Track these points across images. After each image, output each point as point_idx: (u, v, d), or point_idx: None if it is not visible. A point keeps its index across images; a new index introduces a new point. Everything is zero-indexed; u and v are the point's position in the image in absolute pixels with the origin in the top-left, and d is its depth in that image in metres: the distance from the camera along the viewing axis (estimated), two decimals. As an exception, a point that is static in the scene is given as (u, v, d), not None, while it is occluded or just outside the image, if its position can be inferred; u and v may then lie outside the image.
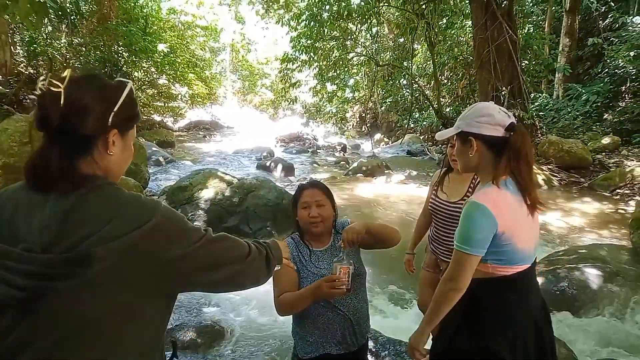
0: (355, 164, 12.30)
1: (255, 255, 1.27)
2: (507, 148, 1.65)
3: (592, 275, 4.36)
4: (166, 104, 20.54)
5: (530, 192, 1.66)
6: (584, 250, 5.24)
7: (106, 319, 0.97)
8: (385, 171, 11.84)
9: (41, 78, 1.02)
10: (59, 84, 0.99)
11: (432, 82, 17.66)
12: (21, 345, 0.95)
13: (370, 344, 3.06)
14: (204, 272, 1.10)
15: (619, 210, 8.21)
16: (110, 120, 1.05)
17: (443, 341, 1.79)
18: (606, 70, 14.06)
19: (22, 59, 14.98)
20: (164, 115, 20.67)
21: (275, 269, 1.42)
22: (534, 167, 1.78)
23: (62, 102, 0.97)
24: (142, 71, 18.30)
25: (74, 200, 0.97)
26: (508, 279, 1.67)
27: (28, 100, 11.76)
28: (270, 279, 1.71)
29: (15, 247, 0.95)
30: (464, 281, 1.64)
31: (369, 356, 2.90)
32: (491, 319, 1.71)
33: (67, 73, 1.02)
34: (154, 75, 19.01)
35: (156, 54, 17.66)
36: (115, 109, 1.05)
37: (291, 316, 2.08)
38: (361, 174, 11.53)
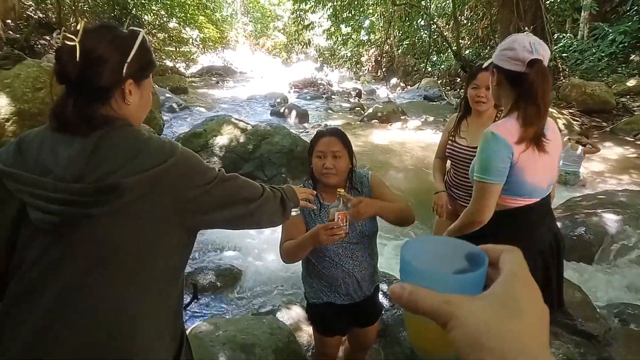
0: (370, 110, 12.09)
1: (269, 196, 1.32)
2: (523, 84, 1.65)
3: (611, 220, 4.31)
4: (177, 49, 20.19)
5: (530, 129, 1.63)
6: (602, 196, 5.16)
7: (134, 246, 1.03)
8: (401, 117, 11.63)
9: (56, 32, 1.06)
10: (74, 38, 1.02)
11: (452, 22, 16.94)
12: (55, 268, 1.01)
13: (384, 287, 3.11)
14: (220, 209, 1.16)
15: (641, 156, 8.02)
16: (125, 70, 1.08)
17: None
18: (635, 7, 13.27)
19: (31, 3, 14.69)
20: (176, 60, 20.35)
21: (293, 213, 1.43)
22: (553, 110, 1.75)
23: (77, 55, 1.01)
24: (151, 14, 17.87)
25: (98, 138, 1.02)
26: (514, 210, 1.71)
27: (39, 45, 11.64)
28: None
29: (47, 178, 0.99)
30: (487, 212, 1.66)
31: (383, 299, 2.97)
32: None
33: (80, 25, 1.05)
34: (164, 19, 18.57)
35: (165, -4, 17.15)
36: (129, 59, 1.08)
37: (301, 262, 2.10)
38: (376, 120, 11.35)
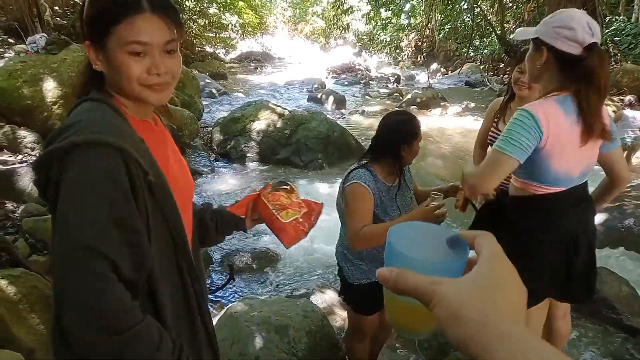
0: (409, 96, 11.89)
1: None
2: (579, 69, 1.51)
3: (663, 212, 4.09)
4: (217, 35, 20.43)
5: (590, 119, 1.52)
6: (654, 187, 4.90)
7: None
8: (441, 103, 11.38)
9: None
10: None
11: (496, 5, 16.34)
12: None
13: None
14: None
15: (699, 145, 7.53)
16: (85, 32, 0.95)
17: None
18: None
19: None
20: (216, 46, 20.61)
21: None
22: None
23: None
24: (192, 0, 18.10)
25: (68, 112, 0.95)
26: (537, 198, 1.61)
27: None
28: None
29: None
30: (492, 182, 1.55)
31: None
32: (506, 235, 1.65)
33: None
34: (205, 4, 18.79)
35: (206, -18, 17.33)
36: (84, 15, 0.94)
37: (338, 244, 2.10)
38: (415, 106, 11.15)
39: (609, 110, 1.66)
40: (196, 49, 17.10)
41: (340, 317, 3.07)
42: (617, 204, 4.39)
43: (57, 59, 5.70)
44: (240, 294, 3.57)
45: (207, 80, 12.38)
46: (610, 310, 2.81)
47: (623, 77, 9.90)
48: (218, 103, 11.12)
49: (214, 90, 11.80)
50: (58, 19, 11.67)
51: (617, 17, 13.81)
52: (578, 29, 1.50)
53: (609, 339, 2.71)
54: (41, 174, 0.86)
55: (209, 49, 19.46)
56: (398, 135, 1.92)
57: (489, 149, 2.62)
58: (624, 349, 2.62)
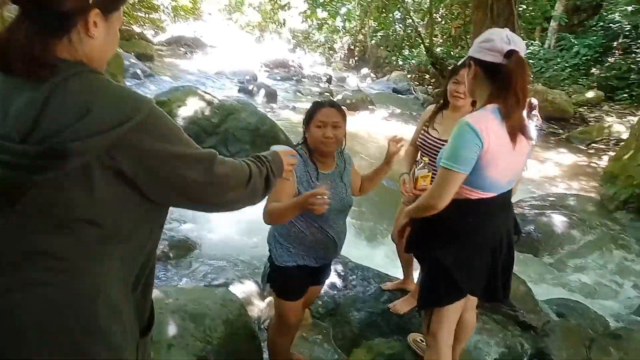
0: (339, 96, 12.08)
1: (256, 179, 1.17)
2: (500, 74, 1.64)
3: (558, 221, 4.52)
4: (147, 15, 19.46)
5: (512, 120, 1.64)
6: (553, 198, 5.40)
7: (92, 214, 0.91)
8: (369, 106, 11.71)
9: None
10: None
11: (427, 18, 17.10)
12: (3, 237, 0.90)
13: (339, 267, 3.15)
14: (198, 192, 1.02)
15: (592, 164, 8.42)
16: (97, 2, 0.93)
17: (409, 240, 1.97)
18: (601, 23, 13.83)
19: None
20: (144, 26, 19.62)
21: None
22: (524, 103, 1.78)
23: None
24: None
25: (52, 86, 0.86)
26: (470, 202, 1.73)
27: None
28: None
29: None
30: (446, 199, 1.67)
31: (337, 279, 3.02)
32: (444, 235, 1.80)
33: None
34: (135, -18, 17.84)
35: (138, -42, 16.46)
36: None
37: (268, 227, 2.10)
38: (344, 107, 11.24)
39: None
40: (122, 26, 16.16)
41: (259, 308, 3.06)
42: (520, 211, 4.78)
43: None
44: (155, 282, 3.44)
45: (132, 60, 11.72)
46: (508, 307, 3.05)
47: (533, 97, 10.78)
48: (143, 85, 10.58)
49: (138, 71, 11.21)
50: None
51: (532, 42, 15.04)
52: (496, 39, 1.65)
53: (506, 332, 2.94)
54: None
55: (136, 28, 18.47)
56: (304, 122, 2.04)
57: (418, 155, 2.77)
58: (517, 341, 2.86)
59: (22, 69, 0.88)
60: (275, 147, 1.50)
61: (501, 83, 1.64)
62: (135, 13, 18.66)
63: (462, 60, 1.88)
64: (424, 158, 2.02)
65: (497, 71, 1.64)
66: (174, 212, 4.54)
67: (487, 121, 1.62)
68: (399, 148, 2.12)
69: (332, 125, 1.95)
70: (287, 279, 2.08)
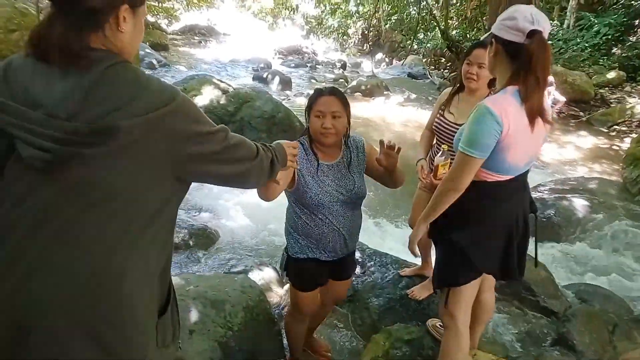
0: (354, 83, 11.99)
1: (263, 157, 1.29)
2: (521, 55, 1.60)
3: (579, 205, 4.45)
4: (160, 4, 19.47)
5: (531, 102, 1.61)
6: (574, 182, 5.31)
7: (129, 191, 0.99)
8: (384, 92, 11.59)
9: None
10: None
11: (441, 1, 16.78)
12: (47, 208, 0.96)
13: (358, 254, 3.14)
14: (214, 163, 1.14)
15: (614, 147, 8.24)
16: None
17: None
18: (622, 1, 13.40)
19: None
20: (158, 16, 19.66)
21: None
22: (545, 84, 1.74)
23: None
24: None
25: (96, 75, 0.96)
26: (487, 185, 1.72)
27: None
28: None
29: (37, 112, 0.94)
30: (464, 183, 1.67)
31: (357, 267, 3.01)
32: (460, 218, 1.79)
33: None
34: (148, -29, 17.84)
35: (150, -53, 16.42)
36: None
37: (285, 217, 2.10)
38: (359, 93, 11.27)
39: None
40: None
41: (278, 294, 3.09)
42: (540, 195, 4.72)
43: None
44: (176, 270, 3.49)
45: (147, 50, 11.81)
46: (529, 293, 3.03)
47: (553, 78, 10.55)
48: (158, 75, 10.59)
49: (154, 61, 11.30)
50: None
51: (551, 22, 14.63)
52: (519, 17, 1.59)
53: (526, 318, 2.92)
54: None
55: (150, 18, 18.52)
56: (305, 110, 1.99)
57: (434, 140, 2.74)
58: (538, 326, 2.84)
59: (60, 60, 0.96)
60: (278, 141, 1.56)
61: (521, 64, 1.60)
62: (149, 2, 18.68)
63: (484, 36, 1.84)
64: (443, 146, 1.97)
65: (518, 51, 1.61)
66: (193, 201, 4.60)
67: (507, 105, 1.60)
68: (393, 157, 1.88)
69: (332, 115, 1.86)
70: (299, 271, 2.07)
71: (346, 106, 1.93)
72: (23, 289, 0.96)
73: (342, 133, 1.94)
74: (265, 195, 1.75)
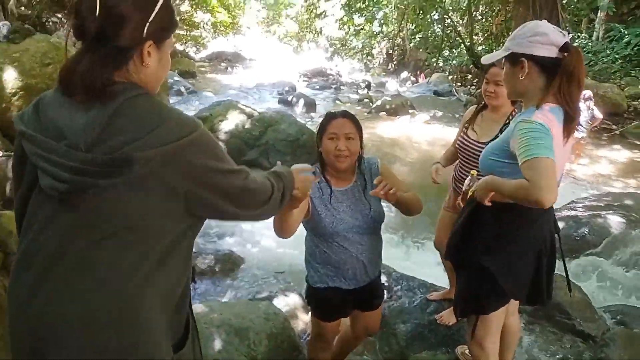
0: (379, 102, 11.99)
1: (276, 196, 1.29)
2: (559, 71, 1.55)
3: (615, 222, 4.27)
4: (188, 33, 20.13)
5: (572, 111, 1.56)
6: (608, 198, 5.11)
7: (144, 222, 1.00)
8: (410, 111, 11.54)
9: None
10: None
11: (466, 17, 16.76)
12: (64, 238, 0.99)
13: (384, 278, 3.09)
14: (231, 204, 1.12)
15: (650, 160, 7.93)
16: (146, 30, 1.02)
17: (449, 246, 1.87)
18: (654, 10, 13.08)
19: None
20: (186, 44, 20.31)
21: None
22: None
23: (97, 11, 0.97)
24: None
25: (116, 107, 0.98)
26: (515, 205, 1.60)
27: (50, 23, 11.61)
28: None
29: (60, 144, 0.97)
30: (555, 190, 1.43)
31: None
32: (489, 240, 1.72)
33: None
34: (177, 1, 18.50)
35: (178, -21, 17.07)
36: (151, 18, 1.03)
37: (305, 246, 2.08)
38: (384, 113, 11.25)
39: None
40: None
41: (303, 321, 3.05)
42: (574, 213, 4.56)
43: (19, 48, 5.45)
44: (201, 297, 3.51)
45: (175, 78, 12.17)
46: (563, 315, 2.90)
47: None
48: (186, 102, 10.93)
49: (182, 89, 11.62)
50: (22, 8, 11.24)
51: (579, 35, 14.40)
52: (550, 32, 1.56)
53: (562, 343, 2.80)
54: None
55: (179, 46, 19.16)
56: (317, 134, 1.96)
57: (458, 162, 2.69)
58: (576, 352, 2.71)
59: (84, 95, 0.99)
60: (295, 166, 1.53)
61: (562, 78, 1.55)
62: (177, 31, 19.34)
63: (498, 56, 1.71)
64: (472, 172, 1.89)
65: (555, 66, 1.56)
66: (218, 226, 4.64)
67: (547, 118, 1.53)
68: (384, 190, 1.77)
69: (345, 137, 1.85)
70: (319, 300, 2.04)
71: (359, 128, 1.92)
72: (43, 317, 0.99)
73: (356, 155, 1.92)
74: (281, 233, 1.75)
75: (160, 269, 1.04)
